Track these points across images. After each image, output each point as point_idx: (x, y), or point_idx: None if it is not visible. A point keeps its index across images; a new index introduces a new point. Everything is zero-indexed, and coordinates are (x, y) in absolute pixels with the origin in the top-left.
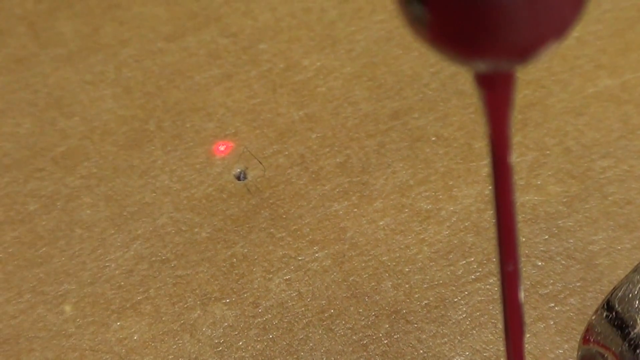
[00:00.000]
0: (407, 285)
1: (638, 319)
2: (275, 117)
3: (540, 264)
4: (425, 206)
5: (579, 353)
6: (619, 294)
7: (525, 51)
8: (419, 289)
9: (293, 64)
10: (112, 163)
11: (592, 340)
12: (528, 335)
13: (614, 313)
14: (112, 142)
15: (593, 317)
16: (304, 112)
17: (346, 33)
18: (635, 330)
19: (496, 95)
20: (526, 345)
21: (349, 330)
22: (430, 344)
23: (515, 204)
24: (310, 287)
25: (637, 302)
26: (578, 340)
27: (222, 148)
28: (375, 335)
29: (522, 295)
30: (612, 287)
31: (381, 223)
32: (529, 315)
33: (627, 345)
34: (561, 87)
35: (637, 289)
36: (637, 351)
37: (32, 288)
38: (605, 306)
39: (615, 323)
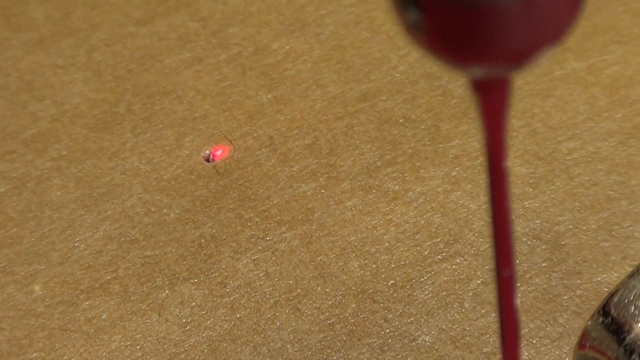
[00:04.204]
0: (374, 265)
1: (634, 325)
2: (245, 99)
3: None
4: (393, 187)
5: (575, 358)
6: (615, 300)
7: (521, 57)
8: (386, 269)
9: (262, 47)
10: (82, 145)
11: (587, 345)
12: (493, 315)
13: (609, 318)
14: (82, 124)
15: (589, 323)
16: (273, 95)
17: (315, 17)
18: (631, 336)
19: (492, 100)
20: (491, 325)
21: (316, 310)
22: (397, 323)
23: (511, 210)
24: (278, 267)
25: (632, 307)
26: (574, 346)
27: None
28: (342, 314)
29: (517, 300)
30: (579, 266)
31: (349, 204)
32: (495, 294)
33: (622, 350)
34: (528, 69)
35: (633, 294)
36: (633, 356)
37: (1, 268)
38: (601, 311)
39: (611, 328)
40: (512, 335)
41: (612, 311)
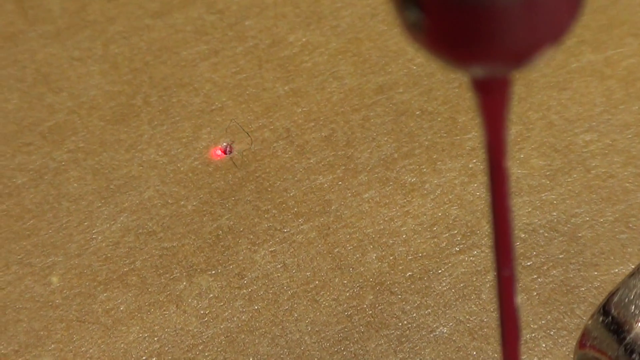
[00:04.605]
0: (391, 257)
1: (634, 324)
2: (261, 92)
3: (523, 236)
4: (410, 179)
5: (575, 358)
6: (615, 299)
7: (522, 56)
8: (403, 261)
9: (279, 40)
10: (99, 137)
11: (588, 344)
12: None
13: (610, 317)
14: (99, 116)
15: (589, 322)
16: (290, 87)
17: (331, 9)
18: (631, 335)
19: (492, 100)
20: None
21: (334, 302)
22: (414, 315)
23: (512, 209)
24: (295, 259)
25: (633, 306)
26: (575, 344)
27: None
28: (360, 306)
29: (518, 299)
30: (596, 258)
31: (366, 196)
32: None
33: (623, 349)
34: (544, 62)
35: (633, 293)
36: (633, 356)
37: (19, 260)
38: (601, 311)
39: (611, 328)
40: (512, 334)
41: (613, 310)
